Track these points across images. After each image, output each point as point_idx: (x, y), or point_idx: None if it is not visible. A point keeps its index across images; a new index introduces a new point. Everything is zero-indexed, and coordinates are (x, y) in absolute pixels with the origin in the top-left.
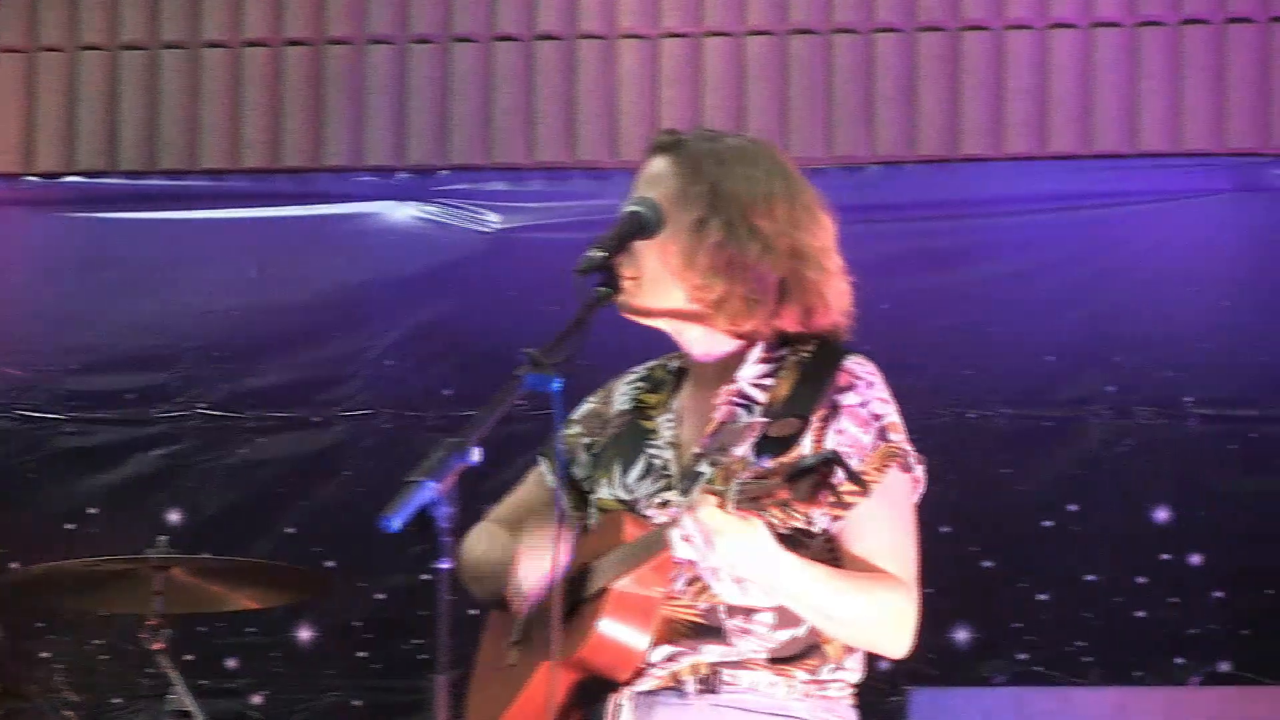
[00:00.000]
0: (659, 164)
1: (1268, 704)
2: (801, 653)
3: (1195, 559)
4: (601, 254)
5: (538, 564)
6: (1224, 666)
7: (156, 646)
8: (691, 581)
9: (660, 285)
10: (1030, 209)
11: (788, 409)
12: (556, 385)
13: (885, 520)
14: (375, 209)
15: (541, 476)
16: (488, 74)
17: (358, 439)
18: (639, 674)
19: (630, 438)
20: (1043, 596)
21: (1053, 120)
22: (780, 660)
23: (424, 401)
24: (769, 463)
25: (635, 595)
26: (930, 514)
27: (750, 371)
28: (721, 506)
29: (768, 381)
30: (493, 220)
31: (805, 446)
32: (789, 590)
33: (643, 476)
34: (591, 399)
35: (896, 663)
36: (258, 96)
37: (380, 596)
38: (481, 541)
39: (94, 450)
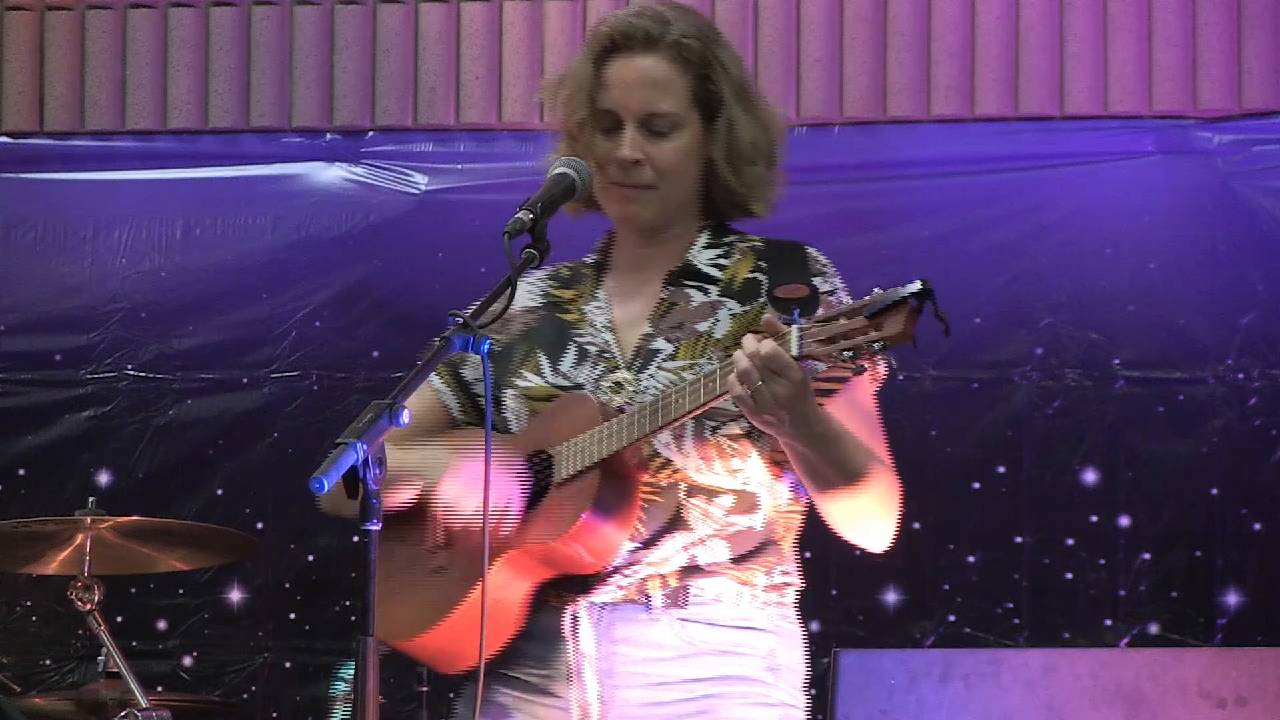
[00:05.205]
0: (650, 63)
1: (1195, 665)
2: (758, 547)
3: (1123, 520)
4: (529, 216)
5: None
6: (1152, 628)
7: (87, 608)
8: (651, 457)
9: (682, 183)
10: (957, 171)
11: (782, 277)
12: (484, 346)
13: (868, 403)
14: (303, 170)
15: (429, 385)
16: (415, 35)
17: (286, 400)
18: (600, 579)
19: (550, 330)
20: (971, 558)
21: (980, 83)
22: (741, 559)
23: (352, 363)
24: (805, 320)
25: (621, 475)
26: None
27: (704, 254)
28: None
29: (724, 262)
30: (420, 181)
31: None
32: (824, 436)
33: (578, 363)
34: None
35: (825, 624)
36: (185, 57)
37: (310, 558)
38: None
39: (23, 411)
